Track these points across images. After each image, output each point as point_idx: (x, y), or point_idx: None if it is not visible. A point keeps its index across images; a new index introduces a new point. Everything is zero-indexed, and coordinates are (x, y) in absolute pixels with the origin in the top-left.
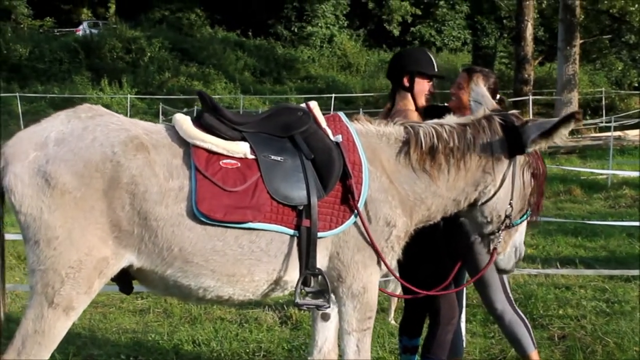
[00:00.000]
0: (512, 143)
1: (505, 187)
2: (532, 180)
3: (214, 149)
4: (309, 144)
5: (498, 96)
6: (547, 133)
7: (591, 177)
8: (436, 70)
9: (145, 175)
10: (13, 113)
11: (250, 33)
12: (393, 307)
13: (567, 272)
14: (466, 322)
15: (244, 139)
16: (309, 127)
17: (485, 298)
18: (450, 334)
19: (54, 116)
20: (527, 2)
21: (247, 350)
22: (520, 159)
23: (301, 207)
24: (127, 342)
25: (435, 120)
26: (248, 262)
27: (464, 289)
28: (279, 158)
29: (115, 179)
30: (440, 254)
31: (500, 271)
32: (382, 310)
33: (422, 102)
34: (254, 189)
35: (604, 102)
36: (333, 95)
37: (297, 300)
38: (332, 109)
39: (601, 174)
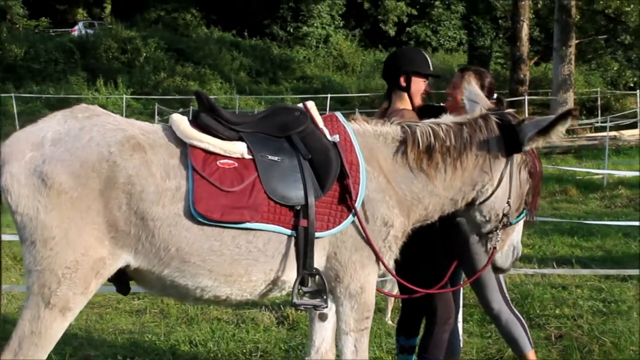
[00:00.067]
0: (509, 142)
1: (503, 186)
2: (529, 179)
3: (211, 149)
4: (307, 144)
5: (495, 95)
6: (544, 130)
7: (587, 177)
8: (431, 69)
9: (142, 175)
10: (8, 113)
11: (246, 33)
12: (390, 307)
13: (564, 271)
14: (463, 322)
15: (241, 139)
16: (306, 127)
17: (482, 298)
18: (447, 333)
19: (51, 116)
20: (523, 3)
21: (244, 351)
22: (517, 157)
23: (299, 207)
24: (123, 343)
25: (432, 120)
26: (245, 262)
27: (461, 288)
28: (276, 158)
29: (111, 179)
30: (437, 253)
31: (497, 270)
32: (379, 310)
33: (418, 101)
34: (252, 189)
35: (599, 102)
36: (329, 95)
37: (295, 300)
38: (327, 109)
39: (597, 174)
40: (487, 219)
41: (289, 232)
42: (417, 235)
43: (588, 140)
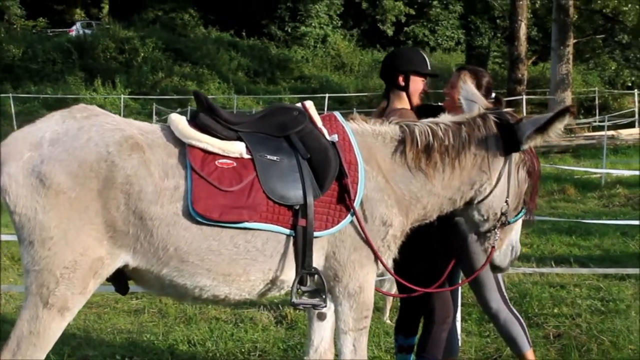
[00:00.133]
0: (508, 141)
1: (501, 185)
2: (527, 178)
3: (210, 148)
4: (305, 143)
5: (494, 95)
6: (542, 128)
7: (585, 176)
8: (429, 69)
9: (140, 174)
10: (6, 113)
11: (243, 33)
12: (388, 307)
13: (562, 270)
14: (461, 321)
15: (239, 139)
16: (305, 127)
17: (480, 297)
18: (445, 332)
19: (49, 116)
20: (521, 2)
21: (243, 350)
22: (515, 156)
23: (297, 207)
24: (122, 343)
25: (431, 119)
26: (244, 262)
27: (459, 287)
28: (275, 158)
29: (110, 178)
30: (435, 252)
31: (495, 268)
32: (378, 309)
33: (416, 101)
34: (250, 188)
35: (597, 102)
36: (327, 95)
37: (294, 299)
38: (325, 109)
39: (595, 173)
40: (485, 218)
41: (287, 231)
42: (416, 234)
43: (586, 139)
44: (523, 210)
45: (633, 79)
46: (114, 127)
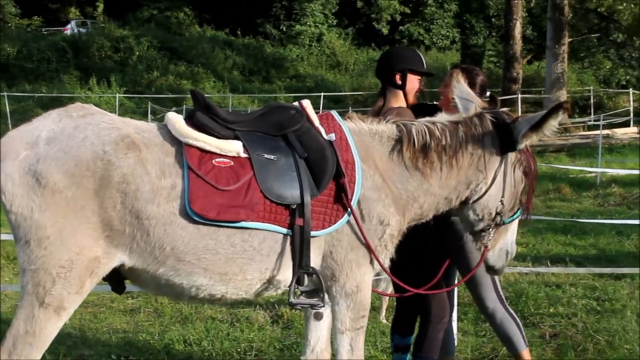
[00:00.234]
0: (504, 140)
1: (497, 184)
2: (524, 178)
3: (207, 147)
4: (302, 142)
5: (488, 93)
6: (537, 125)
7: (580, 175)
8: (425, 68)
9: (137, 173)
10: (1, 112)
11: (239, 32)
12: (385, 306)
13: (558, 270)
14: (457, 320)
15: (237, 138)
16: (302, 126)
17: (477, 297)
18: (441, 332)
19: (46, 115)
20: (516, 1)
21: (239, 350)
22: (511, 156)
23: (294, 206)
24: (118, 342)
25: (428, 118)
26: (240, 261)
27: (455, 287)
28: (272, 157)
29: (106, 177)
30: (431, 252)
31: (490, 269)
32: (374, 309)
33: (412, 99)
34: (247, 187)
35: (592, 101)
36: (322, 94)
37: (292, 299)
38: (321, 108)
39: (590, 172)
40: (480, 217)
41: (284, 231)
42: (412, 234)
43: (581, 138)
44: (519, 212)
45: (628, 77)
46: (110, 126)
